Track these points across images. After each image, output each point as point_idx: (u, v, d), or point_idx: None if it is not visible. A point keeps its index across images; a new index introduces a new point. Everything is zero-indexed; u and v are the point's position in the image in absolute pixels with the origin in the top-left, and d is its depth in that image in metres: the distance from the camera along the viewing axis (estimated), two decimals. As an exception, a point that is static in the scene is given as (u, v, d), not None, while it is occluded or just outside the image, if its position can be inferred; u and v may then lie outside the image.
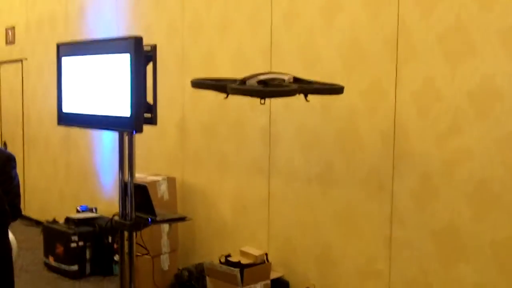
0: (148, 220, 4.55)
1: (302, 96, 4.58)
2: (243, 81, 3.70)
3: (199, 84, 4.12)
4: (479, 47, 3.61)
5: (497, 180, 3.58)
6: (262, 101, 3.78)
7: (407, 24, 3.96)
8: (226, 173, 5.35)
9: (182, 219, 4.87)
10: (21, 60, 8.28)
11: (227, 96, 3.80)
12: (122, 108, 4.22)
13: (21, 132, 8.45)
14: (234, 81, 3.81)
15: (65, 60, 4.74)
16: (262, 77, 3.68)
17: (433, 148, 3.86)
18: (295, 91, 3.65)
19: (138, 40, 4.14)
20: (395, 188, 4.08)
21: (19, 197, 3.82)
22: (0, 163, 3.69)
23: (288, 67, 4.70)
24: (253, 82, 3.62)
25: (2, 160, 3.72)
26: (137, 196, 4.51)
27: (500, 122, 3.54)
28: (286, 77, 3.66)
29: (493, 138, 3.58)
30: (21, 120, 8.43)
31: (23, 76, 8.30)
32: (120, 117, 4.25)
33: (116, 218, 4.61)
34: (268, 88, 3.63)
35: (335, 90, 3.84)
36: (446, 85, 3.77)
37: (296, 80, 3.72)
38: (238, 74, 5.11)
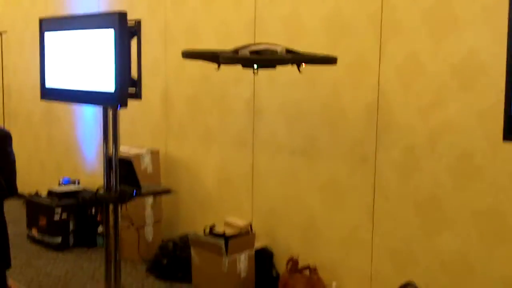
0: (133, 192, 4.59)
1: (286, 69, 4.62)
2: (235, 51, 3.70)
3: (190, 54, 4.10)
4: (463, 22, 3.66)
5: (478, 152, 3.66)
6: (256, 71, 3.80)
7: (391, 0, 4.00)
8: (210, 146, 5.38)
9: (166, 191, 4.92)
10: (0, 33, 8.17)
11: (219, 66, 3.80)
12: (107, 83, 4.22)
13: (1, 106, 8.37)
14: (225, 52, 3.81)
15: (48, 35, 4.71)
16: (254, 48, 3.68)
17: (416, 120, 3.93)
18: (288, 60, 3.65)
19: (122, 15, 4.12)
20: (378, 160, 4.15)
21: (15, 174, 3.84)
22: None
23: (272, 40, 4.72)
24: (245, 52, 3.63)
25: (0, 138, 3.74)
26: (121, 170, 4.54)
27: (483, 96, 3.60)
28: (278, 48, 3.66)
29: (476, 111, 3.64)
30: (1, 94, 8.34)
31: (3, 49, 8.19)
32: (105, 92, 4.25)
33: (101, 191, 4.65)
34: (262, 57, 3.63)
35: (329, 60, 3.83)
36: (430, 59, 3.82)
37: (289, 51, 3.72)
38: (223, 47, 5.13)
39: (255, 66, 3.72)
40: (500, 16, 3.43)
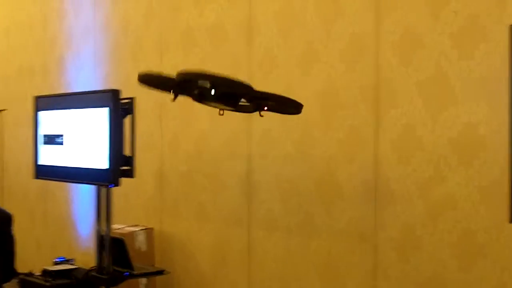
0: (125, 274, 4.46)
1: (280, 144, 4.55)
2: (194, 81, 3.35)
3: (146, 77, 3.73)
4: (460, 95, 3.59)
5: (481, 229, 3.51)
6: (221, 112, 3.57)
7: (386, 73, 3.94)
8: (204, 224, 5.26)
9: (159, 272, 4.79)
10: (-1, 111, 8.21)
11: (175, 97, 3.46)
12: (100, 160, 4.18)
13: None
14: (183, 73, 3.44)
15: (42, 114, 4.71)
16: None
17: (415, 197, 3.80)
18: (249, 97, 3.37)
19: (115, 93, 4.13)
20: (378, 239, 4.00)
21: (14, 257, 3.74)
22: (2, 223, 3.61)
23: (264, 117, 4.67)
24: (205, 83, 3.25)
25: (3, 221, 3.65)
26: (114, 249, 4.43)
27: (484, 172, 3.49)
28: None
29: (477, 187, 3.52)
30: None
31: (1, 127, 8.22)
32: (98, 169, 4.21)
33: (93, 272, 4.52)
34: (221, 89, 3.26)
35: (295, 106, 3.55)
36: (427, 133, 3.74)
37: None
38: (214, 123, 5.09)
39: (213, 92, 3.27)
40: (499, 89, 3.35)
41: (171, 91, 3.40)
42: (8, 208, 8.01)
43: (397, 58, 3.89)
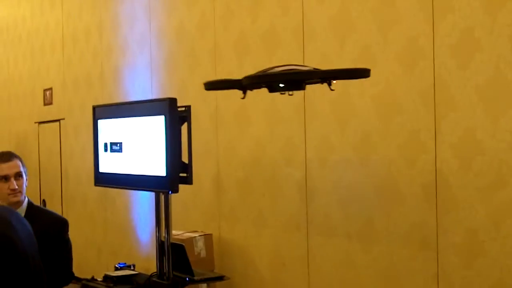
0: (186, 279, 4.51)
1: (339, 150, 4.53)
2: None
3: (213, 84, 3.94)
4: (520, 97, 3.53)
5: (546, 234, 3.44)
6: (290, 92, 3.63)
7: (443, 76, 3.89)
8: (262, 229, 5.28)
9: (220, 278, 4.82)
10: (58, 120, 8.41)
11: (245, 93, 3.59)
12: (158, 168, 4.24)
13: (60, 190, 8.52)
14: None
15: (101, 122, 4.80)
16: (280, 69, 3.54)
17: (477, 201, 3.74)
18: (316, 74, 3.42)
19: (172, 102, 4.17)
20: (440, 245, 3.95)
21: (72, 261, 3.86)
22: (57, 228, 3.75)
23: (321, 122, 4.67)
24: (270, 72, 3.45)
25: (58, 225, 3.79)
26: (174, 255, 4.49)
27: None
28: (306, 68, 3.50)
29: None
30: (59, 178, 8.51)
31: (61, 135, 8.42)
32: (156, 176, 4.27)
33: (154, 278, 4.59)
34: (287, 71, 3.41)
35: (360, 72, 3.56)
36: (488, 137, 3.67)
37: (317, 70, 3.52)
38: (270, 130, 5.11)
39: (281, 85, 3.43)
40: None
41: (240, 89, 3.56)
42: (69, 215, 8.22)
43: (455, 61, 3.83)
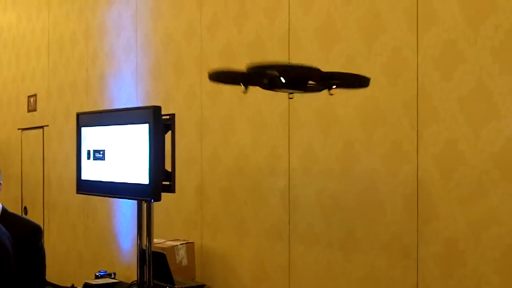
0: (166, 289, 4.50)
1: (322, 159, 4.55)
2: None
3: (217, 74, 3.80)
4: (502, 109, 3.56)
5: (526, 245, 3.47)
6: (290, 95, 3.59)
7: (426, 88, 3.93)
8: (245, 238, 5.27)
9: (200, 287, 4.82)
10: (42, 127, 8.37)
11: (246, 88, 3.45)
12: (141, 176, 4.23)
13: (42, 198, 8.46)
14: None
15: (84, 130, 4.78)
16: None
17: (458, 212, 3.77)
18: (321, 76, 3.34)
19: (156, 110, 4.17)
20: (420, 254, 3.97)
21: (44, 269, 3.82)
22: (31, 235, 3.71)
23: (305, 131, 4.69)
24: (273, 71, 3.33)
25: (32, 232, 3.74)
26: (155, 263, 4.47)
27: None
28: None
29: (520, 201, 3.49)
30: (41, 186, 8.46)
31: (44, 142, 8.37)
32: (139, 184, 4.26)
33: (135, 286, 4.57)
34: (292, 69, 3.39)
35: (362, 80, 3.56)
36: (469, 148, 3.70)
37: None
38: (255, 139, 5.12)
39: (283, 80, 3.30)
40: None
41: (241, 83, 3.46)
42: (51, 222, 8.16)
43: (438, 72, 3.87)
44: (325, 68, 4.50)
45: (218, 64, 5.50)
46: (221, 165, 5.50)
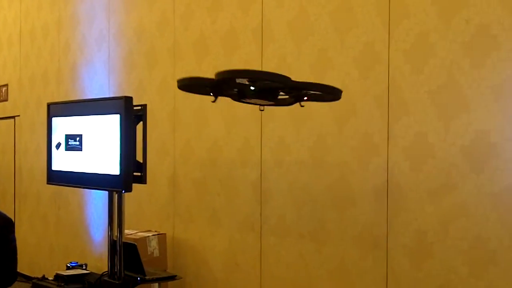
0: (137, 279, 4.48)
1: (294, 151, 4.56)
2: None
3: (186, 81, 3.64)
4: (472, 103, 3.60)
5: (493, 236, 3.52)
6: (261, 108, 3.57)
7: (397, 81, 3.96)
8: (217, 229, 5.28)
9: (172, 277, 4.81)
10: (13, 117, 8.28)
11: (216, 97, 3.43)
12: (112, 167, 4.20)
13: (13, 188, 8.39)
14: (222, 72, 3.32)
15: (55, 120, 4.74)
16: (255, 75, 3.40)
17: (427, 204, 3.81)
18: (292, 86, 3.27)
19: (128, 100, 4.15)
20: (389, 245, 4.01)
21: (16, 261, 3.77)
22: (2, 228, 3.65)
23: (278, 124, 4.70)
24: (243, 80, 3.23)
25: (3, 225, 3.68)
26: (126, 254, 4.46)
27: (495, 179, 3.50)
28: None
29: (489, 194, 3.53)
30: (12, 176, 8.38)
31: (15, 132, 8.29)
32: (110, 175, 4.23)
33: (105, 277, 4.55)
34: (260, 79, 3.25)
35: (334, 92, 3.48)
36: (439, 141, 3.74)
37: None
38: (227, 130, 5.12)
39: (252, 88, 3.25)
40: (511, 97, 3.37)
41: (211, 93, 3.42)
42: (22, 213, 8.09)
43: (409, 66, 3.90)
44: (298, 61, 4.54)
45: (192, 55, 5.49)
46: (194, 157, 5.49)
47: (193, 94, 5.44)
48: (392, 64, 3.99)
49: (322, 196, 4.42)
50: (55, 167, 4.83)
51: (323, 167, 4.41)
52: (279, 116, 4.70)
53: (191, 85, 3.68)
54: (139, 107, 4.31)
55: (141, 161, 4.34)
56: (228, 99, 5.05)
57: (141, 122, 4.36)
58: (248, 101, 3.45)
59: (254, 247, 4.93)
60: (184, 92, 5.54)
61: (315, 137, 4.45)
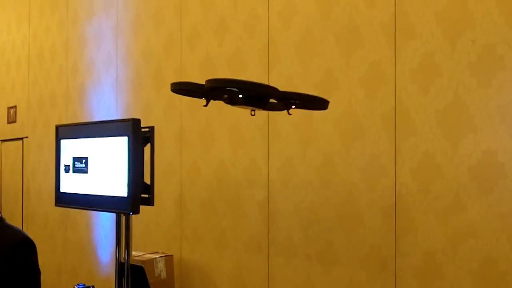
0: (145, 302, 4.47)
1: (301, 172, 4.55)
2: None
3: (178, 85, 3.79)
4: (479, 123, 3.60)
5: (502, 257, 3.49)
6: (252, 112, 3.62)
7: (404, 101, 3.96)
8: (224, 250, 5.26)
9: (180, 300, 4.78)
10: (22, 138, 8.31)
11: (208, 101, 3.48)
12: (119, 188, 4.20)
13: (21, 209, 8.39)
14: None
15: (63, 142, 4.76)
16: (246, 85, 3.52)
17: (435, 224, 3.79)
18: (279, 94, 3.37)
19: (136, 122, 4.15)
20: (398, 266, 3.98)
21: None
22: (27, 250, 3.25)
23: (284, 144, 4.70)
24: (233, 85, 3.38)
25: (28, 247, 3.27)
26: (133, 276, 4.44)
27: (504, 199, 3.48)
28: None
29: (497, 214, 3.51)
30: (20, 197, 8.39)
31: (24, 154, 8.32)
32: (117, 197, 4.23)
33: (113, 300, 4.53)
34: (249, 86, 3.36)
35: (321, 102, 3.58)
36: (446, 161, 3.73)
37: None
38: (234, 151, 5.12)
39: (240, 95, 3.30)
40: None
41: (203, 97, 3.49)
42: (29, 234, 8.06)
43: (415, 86, 3.91)
44: (304, 81, 4.55)
45: (198, 77, 5.51)
46: (201, 178, 5.49)
47: (199, 115, 5.48)
48: (398, 84, 4.00)
49: (330, 216, 4.40)
50: (63, 189, 4.84)
51: (330, 188, 4.40)
52: (286, 136, 4.70)
53: (184, 89, 3.79)
54: (147, 129, 4.31)
55: (149, 183, 4.34)
56: (234, 121, 5.08)
57: (149, 144, 4.36)
58: (238, 106, 3.53)
59: (261, 268, 4.91)
60: (190, 113, 5.58)
61: (322, 157, 4.45)
